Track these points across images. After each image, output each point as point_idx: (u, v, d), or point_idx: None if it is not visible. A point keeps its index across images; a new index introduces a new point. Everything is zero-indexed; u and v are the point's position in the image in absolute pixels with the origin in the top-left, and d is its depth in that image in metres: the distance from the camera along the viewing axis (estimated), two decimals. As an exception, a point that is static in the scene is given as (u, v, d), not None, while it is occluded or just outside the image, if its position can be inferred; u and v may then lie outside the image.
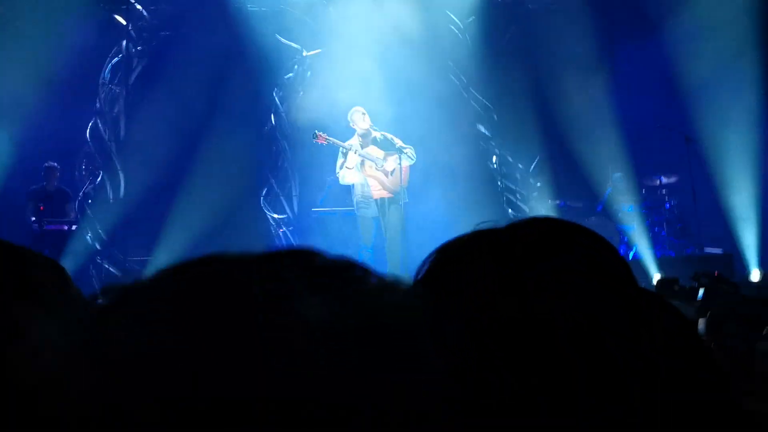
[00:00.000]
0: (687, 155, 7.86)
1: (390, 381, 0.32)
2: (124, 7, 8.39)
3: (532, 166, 8.53)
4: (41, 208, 7.43)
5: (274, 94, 8.47)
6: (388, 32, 7.85)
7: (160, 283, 0.34)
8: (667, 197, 8.26)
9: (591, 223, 8.00)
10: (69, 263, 6.64)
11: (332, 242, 7.10)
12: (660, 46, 8.28)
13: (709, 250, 7.85)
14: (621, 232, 8.13)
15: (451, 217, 7.15)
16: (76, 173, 8.22)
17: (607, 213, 8.26)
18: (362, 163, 6.78)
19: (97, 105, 8.35)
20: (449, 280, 0.60)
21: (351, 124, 6.90)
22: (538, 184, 8.38)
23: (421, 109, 7.83)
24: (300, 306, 0.32)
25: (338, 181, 6.99)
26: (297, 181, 8.41)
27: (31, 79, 7.22)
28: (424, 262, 0.64)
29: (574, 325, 0.57)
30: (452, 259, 0.63)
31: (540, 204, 8.18)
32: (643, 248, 7.80)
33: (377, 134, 6.90)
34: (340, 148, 6.86)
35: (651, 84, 8.51)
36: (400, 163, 6.76)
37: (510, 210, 8.39)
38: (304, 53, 8.31)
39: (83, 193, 8.19)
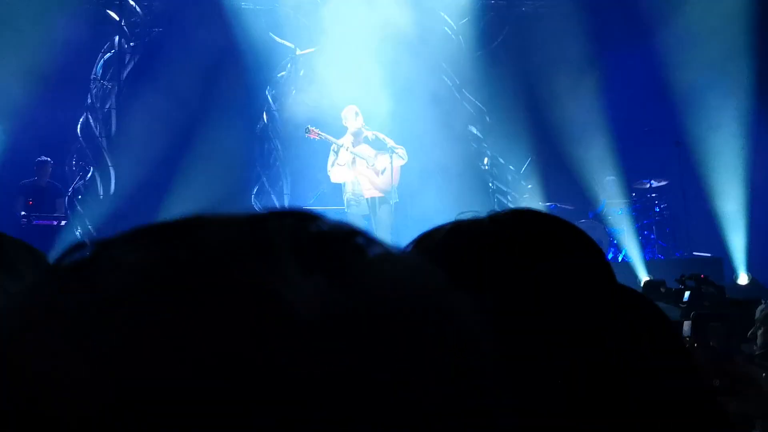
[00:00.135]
0: (676, 159, 7.92)
1: (391, 383, 0.29)
2: (117, 2, 8.36)
3: (524, 168, 8.57)
4: (30, 202, 7.39)
5: (267, 92, 8.47)
6: (381, 33, 7.86)
7: (124, 252, 0.31)
8: (656, 201, 8.31)
9: (581, 225, 8.00)
10: (58, 259, 6.60)
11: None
12: (650, 50, 8.34)
13: (697, 253, 7.90)
14: (611, 235, 8.18)
15: (441, 217, 7.14)
16: (67, 169, 8.19)
17: (597, 215, 8.31)
18: (353, 162, 6.79)
19: (89, 100, 8.31)
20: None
21: (344, 122, 6.92)
22: (529, 186, 8.41)
23: (413, 110, 7.85)
24: (288, 292, 0.29)
25: (329, 179, 7.00)
26: (288, 179, 8.41)
27: (23, 73, 7.19)
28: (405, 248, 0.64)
29: (579, 325, 0.57)
30: (431, 248, 0.64)
31: (531, 206, 8.21)
32: (632, 251, 7.85)
33: (369, 133, 6.91)
34: (332, 146, 6.87)
35: (641, 88, 8.56)
36: (391, 163, 6.77)
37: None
38: (298, 52, 8.31)
39: (73, 188, 8.16)
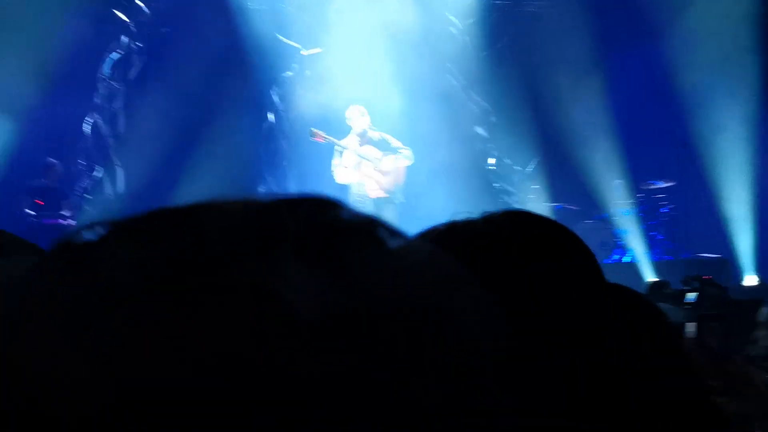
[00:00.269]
0: (683, 160, 7.90)
1: (391, 383, 0.28)
2: (125, 2, 8.40)
3: (530, 169, 8.56)
4: (39, 202, 7.44)
5: (273, 92, 8.49)
6: (387, 33, 7.87)
7: (124, 246, 0.30)
8: (662, 202, 8.28)
9: (587, 226, 8.03)
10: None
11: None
12: (656, 51, 8.31)
13: (704, 254, 7.88)
14: (616, 236, 8.16)
15: (446, 218, 7.15)
16: (74, 168, 8.24)
17: (603, 216, 8.29)
18: (359, 163, 6.80)
19: (96, 100, 8.36)
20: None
21: (348, 122, 6.92)
22: (535, 187, 8.40)
23: (419, 110, 7.85)
24: (288, 291, 0.28)
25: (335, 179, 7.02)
26: (295, 179, 8.43)
27: (30, 73, 7.23)
28: None
29: (578, 324, 0.58)
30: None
31: (536, 206, 8.20)
32: (638, 252, 7.83)
33: (374, 134, 6.92)
34: (336, 147, 6.88)
35: (647, 88, 8.54)
36: (396, 164, 6.78)
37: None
38: (304, 52, 8.32)
39: (81, 188, 8.21)
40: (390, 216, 6.75)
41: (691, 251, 7.99)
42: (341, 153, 6.85)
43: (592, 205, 8.35)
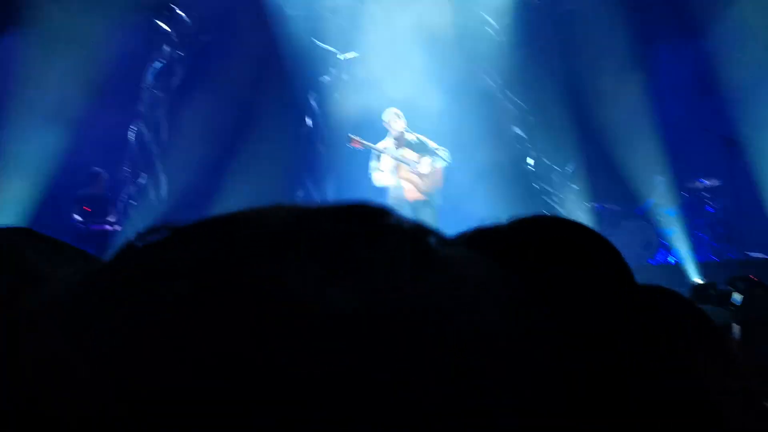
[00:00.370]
0: (729, 158, 7.70)
1: (391, 383, 0.28)
2: (167, 14, 8.59)
3: (569, 169, 8.45)
4: (87, 209, 7.68)
5: (311, 97, 8.57)
6: (423, 34, 7.88)
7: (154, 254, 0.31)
8: (709, 201, 8.09)
9: (629, 226, 7.89)
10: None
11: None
12: (701, 46, 8.13)
13: (753, 254, 7.67)
14: (660, 236, 8.00)
15: (486, 220, 7.11)
16: (119, 176, 8.46)
17: (646, 216, 8.14)
18: (396, 166, 6.81)
19: (140, 109, 8.57)
20: None
21: (385, 125, 6.94)
22: (575, 187, 8.29)
23: (456, 111, 7.83)
24: (289, 292, 0.29)
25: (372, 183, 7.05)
26: (333, 183, 8.49)
27: (78, 83, 7.44)
28: None
29: (589, 327, 0.58)
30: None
31: (577, 206, 8.10)
32: (683, 253, 7.66)
33: (411, 136, 6.92)
34: (373, 151, 6.90)
35: (691, 85, 8.36)
36: (434, 165, 6.77)
37: (546, 212, 8.32)
38: (340, 57, 8.38)
39: (126, 194, 8.42)
40: (428, 219, 6.74)
41: (739, 252, 7.78)
42: (378, 156, 6.87)
43: (634, 205, 8.20)
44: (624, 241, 7.67)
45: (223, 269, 0.30)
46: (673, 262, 7.71)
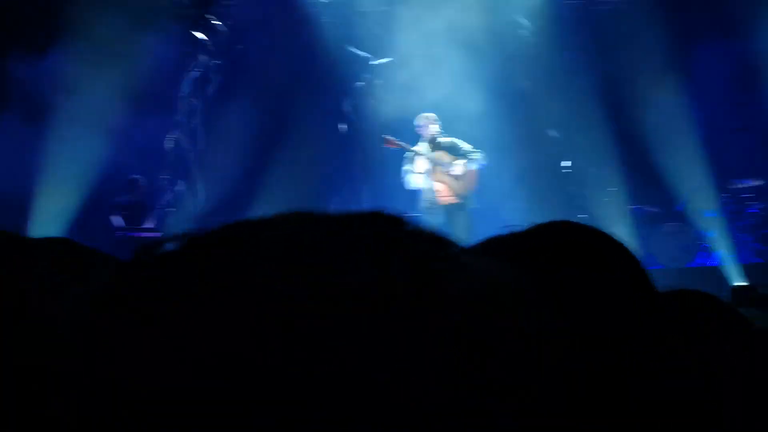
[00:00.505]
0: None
1: (391, 383, 0.28)
2: (202, 23, 8.74)
3: (605, 170, 8.33)
4: (125, 217, 7.84)
5: (345, 102, 8.62)
6: (456, 38, 7.86)
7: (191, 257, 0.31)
8: (750, 201, 7.89)
9: (668, 228, 7.74)
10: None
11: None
12: (740, 46, 7.95)
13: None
14: (701, 238, 7.83)
15: (521, 222, 7.05)
16: (157, 183, 8.62)
17: (686, 218, 7.97)
18: (430, 169, 6.81)
19: (177, 117, 8.72)
20: None
21: (418, 130, 6.94)
22: (612, 189, 8.16)
23: (490, 113, 7.79)
24: (289, 293, 0.29)
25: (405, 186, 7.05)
26: (369, 188, 8.51)
27: (118, 92, 7.61)
28: None
29: (598, 330, 0.57)
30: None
31: (613, 209, 7.97)
32: (725, 255, 7.48)
33: (445, 140, 6.91)
34: (406, 153, 6.92)
35: (731, 84, 8.17)
36: (468, 168, 6.74)
37: (582, 215, 8.21)
38: (374, 62, 8.42)
39: (164, 201, 8.58)
40: (462, 222, 6.71)
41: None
42: (412, 159, 6.88)
43: (673, 208, 8.04)
44: (663, 244, 7.52)
45: (223, 272, 0.30)
46: (713, 264, 7.54)
